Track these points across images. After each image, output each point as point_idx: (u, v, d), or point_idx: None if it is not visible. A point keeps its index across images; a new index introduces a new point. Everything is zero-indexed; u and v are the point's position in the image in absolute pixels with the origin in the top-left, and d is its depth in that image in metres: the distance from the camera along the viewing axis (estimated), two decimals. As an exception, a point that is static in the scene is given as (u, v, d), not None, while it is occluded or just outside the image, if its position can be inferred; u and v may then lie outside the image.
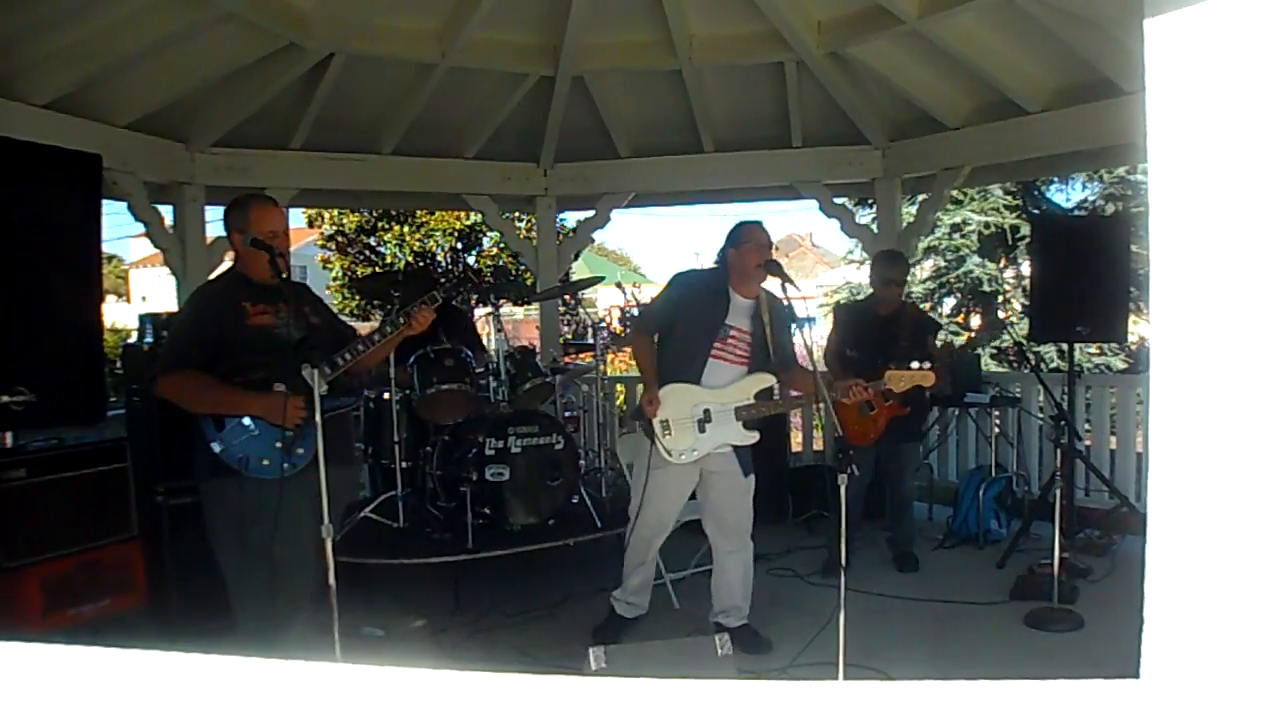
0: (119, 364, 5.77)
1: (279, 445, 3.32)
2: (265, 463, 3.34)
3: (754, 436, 4.32)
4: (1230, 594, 1.09)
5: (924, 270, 13.74)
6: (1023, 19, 5.44)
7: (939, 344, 5.77)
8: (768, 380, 4.33)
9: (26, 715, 1.07)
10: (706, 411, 4.26)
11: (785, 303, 4.25)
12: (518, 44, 6.36)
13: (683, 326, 4.36)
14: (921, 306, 12.72)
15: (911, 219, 7.60)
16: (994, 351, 12.05)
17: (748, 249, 4.24)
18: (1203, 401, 1.09)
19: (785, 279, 4.06)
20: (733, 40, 6.37)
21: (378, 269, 16.05)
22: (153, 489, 4.42)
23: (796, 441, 8.07)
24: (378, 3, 5.52)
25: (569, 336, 16.14)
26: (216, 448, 3.31)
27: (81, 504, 4.24)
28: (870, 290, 5.97)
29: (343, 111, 6.48)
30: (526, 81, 6.65)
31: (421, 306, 3.60)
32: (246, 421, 3.34)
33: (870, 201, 9.69)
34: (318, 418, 3.07)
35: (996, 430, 6.77)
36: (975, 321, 13.07)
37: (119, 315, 22.03)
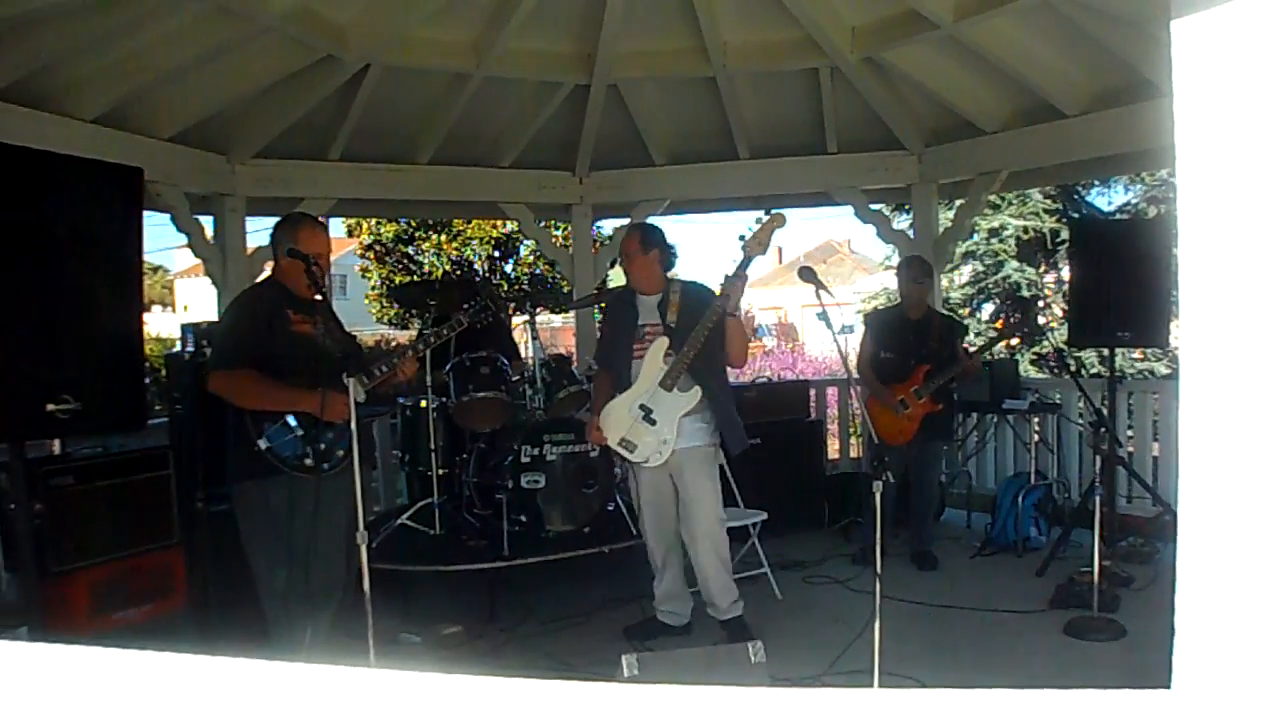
0: (164, 373, 5.87)
1: (323, 446, 3.51)
2: (308, 461, 3.51)
3: (697, 394, 4.30)
4: (1267, 604, 1.07)
5: (962, 275, 13.61)
6: (1060, 21, 5.38)
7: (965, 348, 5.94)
8: (664, 341, 4.34)
9: (70, 716, 1.10)
10: (643, 406, 4.31)
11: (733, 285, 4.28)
12: (552, 53, 6.40)
13: (611, 344, 4.62)
14: (960, 312, 12.65)
15: (949, 224, 7.53)
16: (1034, 358, 11.90)
17: (628, 255, 4.50)
18: (1234, 407, 1.07)
19: (820, 286, 4.03)
20: (766, 47, 6.36)
21: (415, 278, 16.17)
22: (194, 496, 4.49)
23: (833, 449, 8.02)
24: (413, 14, 5.57)
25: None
26: (263, 444, 3.47)
27: (126, 510, 4.34)
28: (899, 296, 6.12)
29: (380, 122, 6.55)
30: (561, 90, 6.68)
31: (410, 355, 3.82)
32: (291, 421, 3.51)
33: (907, 207, 9.64)
34: (352, 424, 3.19)
35: (1036, 437, 6.68)
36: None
37: (165, 325, 22.37)
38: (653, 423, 4.30)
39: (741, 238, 4.81)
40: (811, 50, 6.21)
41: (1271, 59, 1.04)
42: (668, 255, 4.54)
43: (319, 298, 3.62)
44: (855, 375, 4.41)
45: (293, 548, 3.46)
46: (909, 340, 5.69)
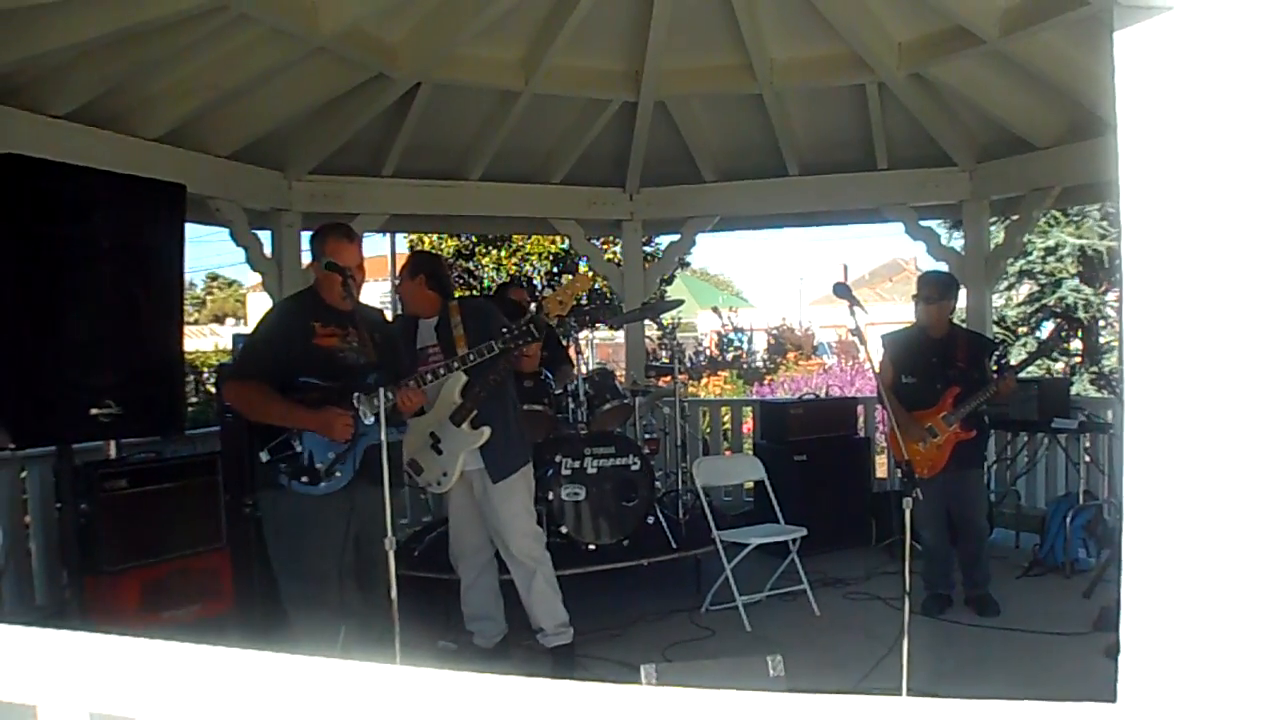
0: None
1: (320, 466, 3.53)
2: (303, 479, 3.54)
3: (483, 434, 4.25)
4: (1209, 616, 1.07)
5: (1019, 294, 13.41)
6: (1108, 33, 5.28)
7: (998, 365, 5.57)
8: (461, 377, 4.22)
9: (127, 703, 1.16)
10: (433, 434, 4.30)
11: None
12: (600, 70, 6.47)
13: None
14: (1019, 331, 12.42)
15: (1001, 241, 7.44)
16: (1094, 376, 11.66)
17: (400, 281, 4.54)
18: (1176, 419, 1.08)
19: (854, 303, 4.02)
20: (812, 63, 6.36)
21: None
22: (241, 502, 4.63)
23: (881, 466, 7.95)
24: (461, 33, 5.68)
25: (665, 360, 16.18)
26: (264, 457, 3.53)
27: (176, 514, 4.49)
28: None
29: (431, 139, 6.69)
30: (610, 107, 6.75)
31: (411, 385, 3.73)
32: (292, 438, 3.55)
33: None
34: (361, 428, 3.29)
35: (1086, 457, 6.55)
36: (1075, 346, 12.64)
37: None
38: (439, 453, 4.32)
39: (542, 301, 4.34)
40: (858, 67, 6.20)
41: (1216, 69, 1.05)
42: (438, 279, 4.46)
43: (353, 307, 3.59)
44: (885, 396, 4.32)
45: (304, 559, 3.55)
46: (932, 362, 5.21)
